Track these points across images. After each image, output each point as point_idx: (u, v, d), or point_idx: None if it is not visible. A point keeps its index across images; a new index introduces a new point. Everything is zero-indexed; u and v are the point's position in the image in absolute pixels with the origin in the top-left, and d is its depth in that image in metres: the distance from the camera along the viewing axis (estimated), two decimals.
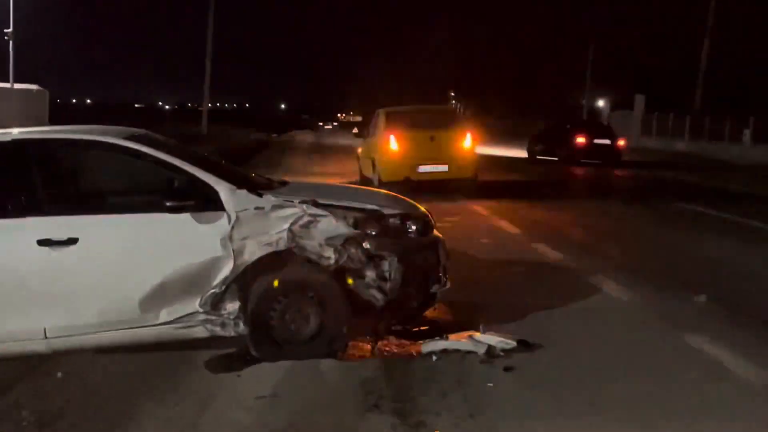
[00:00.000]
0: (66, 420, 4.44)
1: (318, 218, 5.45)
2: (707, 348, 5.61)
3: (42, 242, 5.00)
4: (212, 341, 5.45)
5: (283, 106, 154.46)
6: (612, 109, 45.47)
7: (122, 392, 4.84)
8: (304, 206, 5.45)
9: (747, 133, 31.45)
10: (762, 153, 28.94)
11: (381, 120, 16.15)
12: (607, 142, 26.30)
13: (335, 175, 19.83)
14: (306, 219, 5.42)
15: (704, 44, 37.33)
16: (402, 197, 6.54)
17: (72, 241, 5.04)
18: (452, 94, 71.95)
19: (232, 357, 5.42)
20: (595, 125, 31.37)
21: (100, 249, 5.13)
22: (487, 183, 17.22)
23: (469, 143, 15.75)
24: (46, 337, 5.08)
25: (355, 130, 22.73)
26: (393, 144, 15.39)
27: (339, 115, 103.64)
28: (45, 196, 5.20)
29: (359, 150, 18.53)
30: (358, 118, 75.20)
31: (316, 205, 5.49)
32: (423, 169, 15.31)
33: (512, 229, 11.46)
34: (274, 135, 56.80)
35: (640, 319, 6.47)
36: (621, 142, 26.91)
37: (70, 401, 4.70)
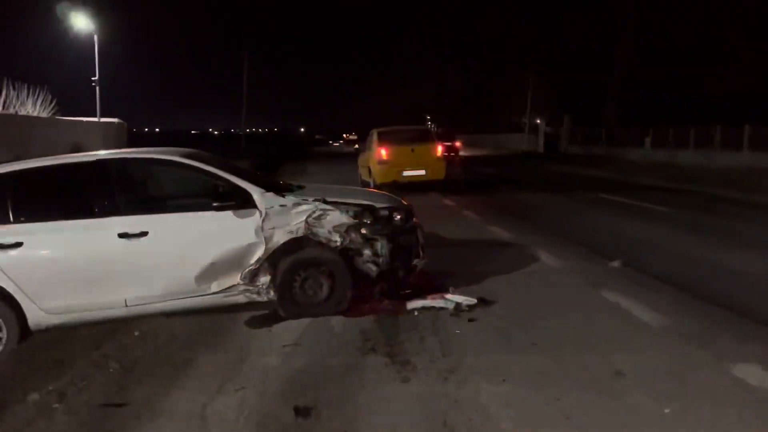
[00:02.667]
0: (143, 367, 4.44)
1: (327, 212, 5.44)
2: (619, 300, 5.59)
3: (121, 235, 4.99)
4: (250, 305, 5.43)
5: (302, 129, 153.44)
6: (547, 124, 45.24)
7: (184, 345, 4.83)
8: (317, 203, 5.44)
9: (648, 140, 31.40)
10: (659, 155, 28.91)
11: (374, 137, 16.09)
12: (450, 143, 29.55)
13: (341, 182, 19.77)
14: (318, 213, 5.42)
15: (615, 73, 37.31)
16: (389, 194, 6.51)
17: (144, 234, 5.03)
18: (428, 117, 71.51)
19: (265, 317, 5.40)
20: (445, 134, 33.24)
21: (165, 239, 5.11)
22: (455, 182, 17.19)
23: (439, 153, 15.81)
24: (126, 306, 5.08)
25: (356, 146, 22.68)
26: (384, 155, 15.39)
27: (344, 134, 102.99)
28: (122, 201, 5.18)
29: (359, 161, 18.46)
30: (355, 137, 75.03)
31: (325, 202, 5.48)
32: (406, 173, 15.30)
33: (474, 216, 11.37)
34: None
35: (568, 280, 6.44)
36: (458, 143, 33.42)
37: (145, 353, 4.70)
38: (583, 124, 39.16)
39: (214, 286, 5.22)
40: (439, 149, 15.87)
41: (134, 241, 5.01)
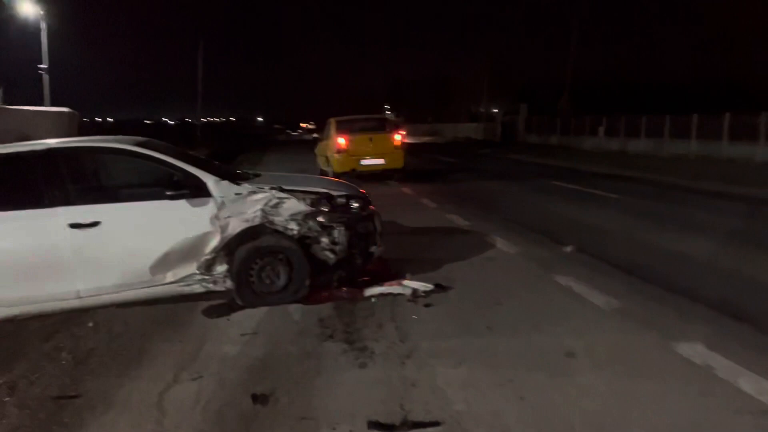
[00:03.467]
0: (96, 358, 4.36)
1: (284, 200, 5.42)
2: (572, 284, 5.72)
3: (73, 225, 4.87)
4: (207, 295, 5.37)
5: (260, 118, 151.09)
6: (504, 114, 45.71)
7: (139, 336, 4.75)
8: (273, 192, 5.41)
9: (601, 129, 31.94)
10: (611, 143, 29.53)
11: (332, 126, 16.01)
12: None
13: (300, 171, 19.63)
14: (274, 201, 5.39)
15: (569, 64, 37.92)
16: (346, 182, 6.51)
17: (96, 224, 4.92)
18: (387, 106, 71.56)
19: (222, 306, 5.35)
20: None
21: (118, 229, 5.01)
22: (413, 171, 17.25)
23: (398, 142, 15.81)
24: (79, 297, 4.97)
25: (315, 135, 22.52)
26: (342, 144, 15.32)
27: (302, 124, 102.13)
28: (73, 190, 5.05)
29: (317, 150, 18.35)
30: (313, 126, 74.65)
31: (282, 190, 5.46)
32: (365, 162, 15.27)
33: (431, 204, 11.46)
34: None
35: (523, 266, 6.56)
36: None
37: (99, 344, 4.61)
38: (539, 114, 39.70)
39: (170, 276, 5.15)
40: (398, 138, 15.86)
41: (86, 231, 4.90)
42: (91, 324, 4.99)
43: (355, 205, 5.74)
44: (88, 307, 5.05)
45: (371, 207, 5.95)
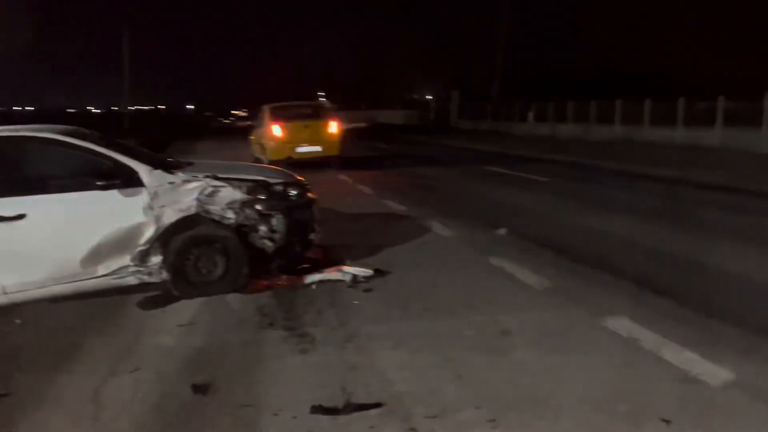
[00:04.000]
0: (25, 355, 4.20)
1: (219, 188, 5.33)
2: (505, 265, 5.88)
3: None
4: (142, 287, 5.25)
5: (190, 106, 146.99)
6: (437, 100, 46.13)
7: (71, 331, 4.57)
8: (208, 180, 5.32)
9: (530, 115, 32.73)
10: (541, 128, 30.33)
11: (266, 114, 15.79)
12: None
13: (234, 159, 19.28)
14: (210, 189, 5.30)
15: (499, 51, 38.58)
16: (283, 170, 6.47)
17: (21, 216, 4.72)
18: (321, 93, 70.96)
19: (157, 298, 5.22)
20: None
21: (45, 222, 4.83)
22: (350, 158, 17.24)
23: (335, 129, 15.74)
24: (5, 293, 4.77)
25: (249, 122, 22.08)
26: (277, 131, 15.14)
27: (234, 111, 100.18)
28: None
29: (251, 137, 18.05)
30: (246, 113, 73.61)
31: (217, 178, 5.37)
32: (301, 149, 15.11)
33: (368, 191, 11.52)
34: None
35: (458, 249, 6.72)
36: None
37: (28, 341, 4.44)
38: (471, 100, 40.26)
39: (102, 269, 5.01)
40: (334, 125, 15.78)
41: (11, 225, 4.70)
42: (18, 321, 4.79)
43: (293, 192, 5.71)
44: (15, 303, 4.84)
45: (310, 194, 5.93)
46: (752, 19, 27.48)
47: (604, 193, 11.04)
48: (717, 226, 7.73)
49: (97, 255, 4.94)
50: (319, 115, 16.31)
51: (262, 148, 15.67)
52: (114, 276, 5.07)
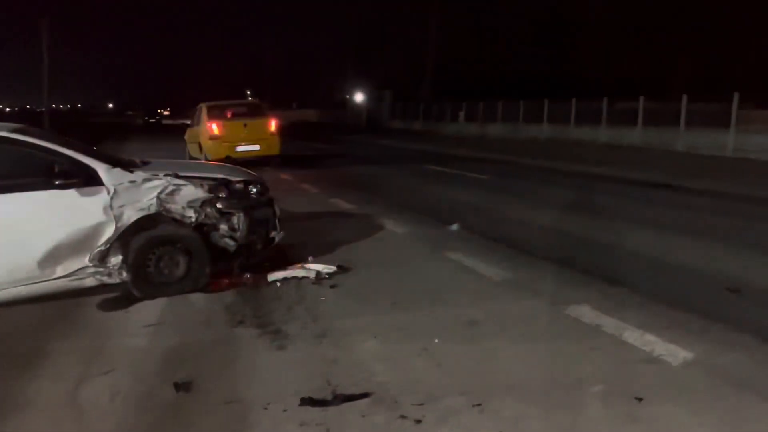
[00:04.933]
0: None
1: (180, 187, 5.25)
2: (462, 259, 6.06)
3: None
4: (100, 289, 5.10)
5: (110, 105, 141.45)
6: (369, 100, 46.25)
7: (31, 336, 4.39)
8: (169, 178, 5.22)
9: (461, 115, 33.37)
10: (471, 128, 31.00)
11: (203, 112, 15.49)
12: None
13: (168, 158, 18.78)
14: (171, 188, 5.20)
15: (429, 53, 39.20)
16: (243, 169, 6.41)
17: None
18: (248, 92, 69.79)
19: (118, 299, 5.09)
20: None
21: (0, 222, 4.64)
22: (288, 157, 17.12)
23: (274, 128, 15.62)
24: None
25: (170, 121, 21.52)
26: (215, 130, 14.90)
27: (159, 110, 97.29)
28: None
29: (186, 136, 17.64)
30: (168, 113, 71.98)
31: (178, 177, 5.29)
32: (240, 149, 14.91)
33: (313, 189, 11.52)
34: None
35: (414, 245, 6.85)
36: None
37: None
38: (403, 100, 40.67)
39: (59, 270, 4.84)
40: (273, 124, 15.66)
41: None
42: None
43: (254, 190, 5.69)
44: None
45: (268, 193, 5.91)
46: (675, 21, 29.09)
47: (539, 189, 11.46)
48: (650, 218, 8.20)
49: (55, 256, 4.77)
50: (257, 113, 16.14)
51: (200, 147, 15.37)
52: (72, 277, 4.91)
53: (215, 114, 15.31)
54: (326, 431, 3.04)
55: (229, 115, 15.36)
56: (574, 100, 24.17)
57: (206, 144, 14.96)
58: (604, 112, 22.73)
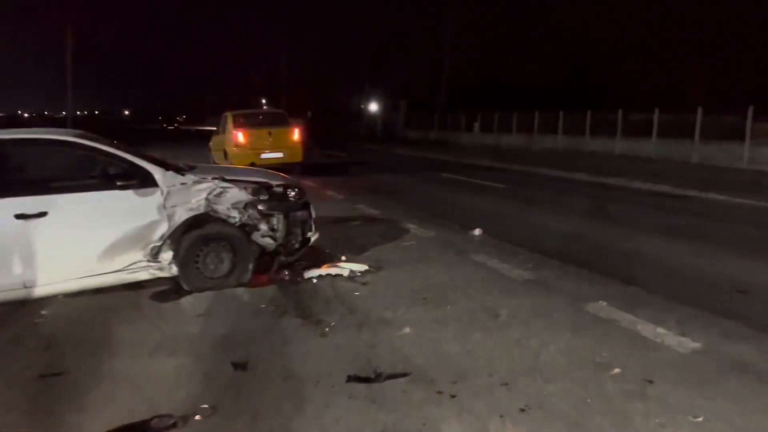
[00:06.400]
0: (62, 342, 4.44)
1: (226, 190, 5.70)
2: (485, 260, 6.47)
3: (18, 216, 4.90)
4: (147, 283, 5.55)
5: (126, 111, 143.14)
6: (384, 110, 46.75)
7: (96, 322, 4.84)
8: (217, 181, 5.67)
9: (476, 125, 33.75)
10: (486, 138, 31.37)
11: (229, 120, 16.04)
12: None
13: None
14: (218, 190, 5.65)
15: (445, 63, 39.63)
16: (282, 174, 6.86)
17: (43, 214, 4.97)
18: (263, 100, 70.62)
19: (168, 291, 5.54)
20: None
21: (65, 219, 5.08)
22: (309, 165, 17.58)
23: (297, 136, 16.13)
24: (25, 287, 4.99)
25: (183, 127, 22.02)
26: (240, 138, 15.43)
27: (177, 117, 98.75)
28: (18, 181, 5.06)
29: (211, 144, 18.18)
30: (183, 119, 73.23)
31: (224, 180, 5.74)
32: (264, 156, 15.39)
33: (338, 196, 11.96)
34: None
35: (440, 248, 7.22)
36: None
37: (59, 331, 4.67)
38: (418, 110, 41.11)
39: (116, 264, 5.28)
40: (296, 133, 16.17)
41: (33, 222, 4.94)
42: (44, 313, 5.02)
43: (292, 194, 6.12)
44: (35, 297, 5.07)
45: (305, 196, 6.34)
46: (690, 34, 29.35)
47: (557, 197, 11.83)
48: (664, 226, 8.55)
49: (113, 251, 5.22)
50: (281, 122, 16.64)
51: (226, 154, 15.87)
52: (127, 271, 5.36)
53: (241, 122, 15.85)
54: (372, 402, 3.44)
55: (254, 124, 15.89)
56: (589, 112, 24.50)
57: (232, 151, 15.48)
58: (619, 123, 23.04)
